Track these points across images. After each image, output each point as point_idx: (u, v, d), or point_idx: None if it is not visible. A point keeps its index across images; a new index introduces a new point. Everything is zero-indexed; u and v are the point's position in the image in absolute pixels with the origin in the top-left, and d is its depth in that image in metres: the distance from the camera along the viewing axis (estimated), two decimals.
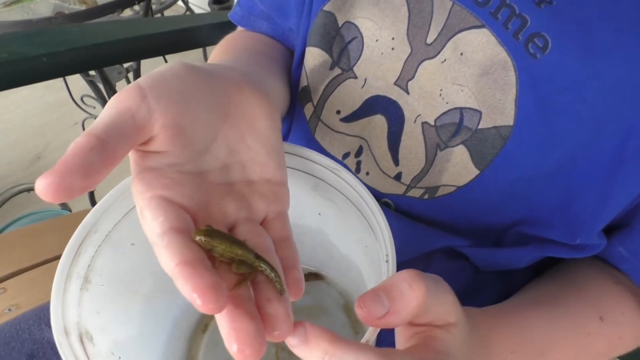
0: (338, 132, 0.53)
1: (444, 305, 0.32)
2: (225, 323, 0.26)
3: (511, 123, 0.42)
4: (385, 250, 0.36)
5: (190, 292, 0.24)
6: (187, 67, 0.35)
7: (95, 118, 1.32)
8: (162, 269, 0.27)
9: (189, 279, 0.25)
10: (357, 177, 0.42)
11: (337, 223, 0.45)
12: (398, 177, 0.49)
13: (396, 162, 0.49)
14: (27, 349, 0.58)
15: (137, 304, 0.46)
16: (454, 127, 0.44)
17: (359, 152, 0.52)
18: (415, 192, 0.49)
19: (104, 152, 0.28)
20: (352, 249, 0.47)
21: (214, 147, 0.35)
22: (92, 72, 1.49)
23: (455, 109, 0.44)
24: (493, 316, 0.42)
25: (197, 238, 0.29)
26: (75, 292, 0.40)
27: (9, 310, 0.79)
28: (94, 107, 1.78)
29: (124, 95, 0.31)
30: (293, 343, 0.28)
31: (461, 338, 0.33)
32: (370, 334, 0.32)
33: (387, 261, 0.35)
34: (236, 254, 0.30)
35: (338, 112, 0.52)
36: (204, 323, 0.55)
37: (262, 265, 0.30)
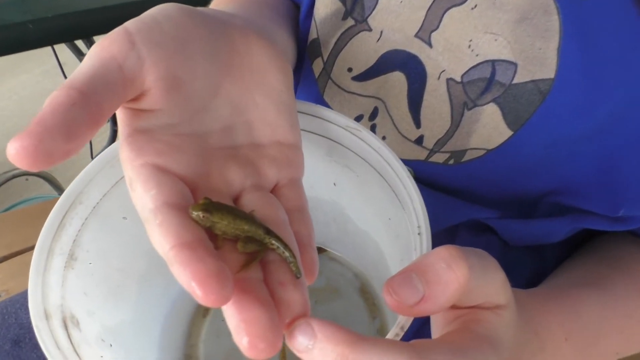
0: (349, 92, 0.48)
1: (492, 286, 0.27)
2: (233, 313, 0.22)
3: (552, 76, 0.37)
4: (416, 222, 0.30)
5: (189, 280, 0.21)
6: (182, 10, 0.30)
7: None
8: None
9: (187, 264, 0.21)
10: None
11: (355, 193, 0.40)
12: (419, 140, 0.45)
13: (417, 124, 0.45)
14: (13, 334, 0.53)
15: (130, 285, 0.41)
16: (484, 83, 0.40)
17: (373, 115, 0.48)
18: (439, 157, 0.45)
19: (88, 107, 0.23)
20: (372, 222, 0.41)
21: (216, 105, 0.30)
22: (84, 51, 1.43)
23: (486, 62, 0.40)
24: (541, 298, 0.38)
25: (194, 214, 0.24)
26: (58, 270, 0.35)
27: (0, 295, 0.75)
28: None
29: (109, 42, 0.26)
30: (299, 347, 0.23)
31: (511, 322, 0.28)
32: (400, 326, 0.27)
33: (419, 234, 0.30)
34: (242, 230, 0.26)
35: (350, 69, 0.47)
36: (205, 307, 0.50)
37: (273, 242, 0.26)
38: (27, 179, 1.50)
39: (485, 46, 0.39)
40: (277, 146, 0.32)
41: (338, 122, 0.36)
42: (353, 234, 0.45)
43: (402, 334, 0.27)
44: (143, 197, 0.25)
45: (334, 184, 0.42)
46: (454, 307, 0.28)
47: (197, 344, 0.48)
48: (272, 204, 0.29)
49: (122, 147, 0.27)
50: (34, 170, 0.22)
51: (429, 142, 0.45)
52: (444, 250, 0.26)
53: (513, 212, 0.47)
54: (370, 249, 0.44)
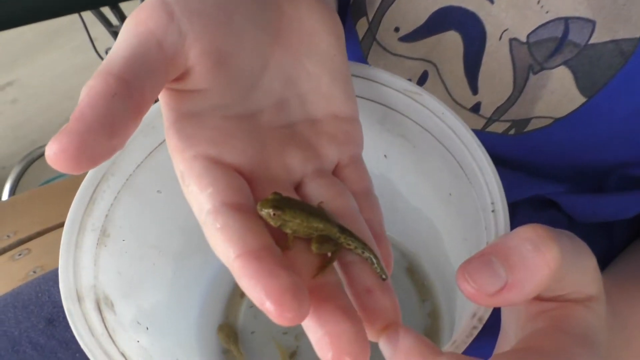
0: (396, 54, 0.44)
1: (584, 273, 0.24)
2: (314, 325, 0.20)
3: (637, 35, 0.33)
4: (489, 198, 0.26)
5: (262, 297, 0.19)
6: None
7: None
8: (199, 227, 0.21)
9: (257, 278, 0.19)
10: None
11: (409, 166, 0.36)
12: (476, 108, 0.42)
13: (474, 89, 0.41)
14: (47, 313, 0.52)
15: (165, 264, 0.39)
16: (554, 44, 0.36)
17: (422, 80, 0.44)
18: (498, 127, 0.41)
19: (130, 96, 0.21)
20: (426, 198, 0.37)
21: (266, 78, 0.27)
22: (114, 23, 1.40)
23: (558, 19, 0.36)
24: (625, 286, 0.33)
25: (264, 212, 0.22)
26: (90, 248, 0.32)
27: (34, 272, 0.74)
28: None
29: (144, 14, 0.23)
30: (385, 355, 0.21)
31: (603, 317, 0.24)
32: (478, 317, 0.23)
33: (493, 211, 0.26)
34: (316, 229, 0.23)
35: (397, 29, 0.43)
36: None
37: (350, 242, 0.23)
38: None
39: (557, 2, 0.35)
40: (333, 120, 0.29)
41: (394, 85, 0.32)
42: (403, 211, 0.42)
43: (480, 326, 0.23)
44: (198, 196, 0.22)
45: (385, 156, 0.38)
46: (537, 298, 0.24)
47: (234, 324, 0.45)
48: (340, 193, 0.26)
49: (169, 135, 0.24)
50: (78, 173, 0.20)
51: (487, 110, 0.41)
52: (530, 230, 0.22)
53: (580, 186, 0.43)
54: (423, 227, 0.40)
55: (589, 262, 0.24)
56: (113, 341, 0.28)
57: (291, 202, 0.23)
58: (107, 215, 0.34)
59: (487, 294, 0.22)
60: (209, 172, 0.23)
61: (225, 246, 0.20)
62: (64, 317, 0.52)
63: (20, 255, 0.75)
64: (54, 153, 0.19)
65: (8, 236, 0.78)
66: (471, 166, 0.29)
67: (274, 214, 0.22)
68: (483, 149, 0.28)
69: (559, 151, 0.40)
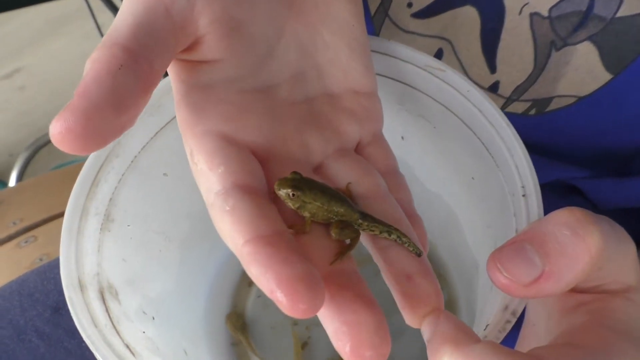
0: (408, 31, 0.42)
1: (625, 262, 0.22)
2: (331, 314, 0.18)
3: None
4: (519, 181, 0.24)
5: (272, 286, 0.17)
6: None
7: None
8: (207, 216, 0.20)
9: (268, 265, 0.18)
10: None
11: (428, 149, 0.34)
12: (494, 87, 0.39)
13: (492, 68, 0.39)
14: (52, 301, 0.50)
15: (172, 250, 0.37)
16: (577, 18, 0.35)
17: (436, 58, 0.41)
18: (518, 107, 0.39)
19: (138, 68, 0.19)
20: (446, 182, 0.35)
21: (281, 48, 0.26)
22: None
23: None
24: None
25: (282, 192, 0.20)
26: (93, 234, 0.30)
27: (40, 260, 0.73)
28: None
29: None
30: (426, 337, 0.19)
31: None
32: (511, 311, 0.21)
33: (523, 195, 0.24)
34: (336, 213, 0.21)
35: (409, 4, 0.41)
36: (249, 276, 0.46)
37: (374, 227, 0.22)
38: None
39: None
40: (352, 95, 0.27)
41: (415, 60, 0.30)
42: (418, 196, 0.39)
43: (514, 320, 0.21)
44: (208, 175, 0.21)
45: (402, 138, 0.36)
46: (573, 289, 0.22)
47: (243, 314, 0.44)
48: (368, 172, 0.24)
49: (179, 109, 0.22)
50: (85, 154, 0.18)
51: (506, 89, 0.39)
52: (567, 214, 0.20)
53: (604, 170, 0.41)
54: (440, 213, 0.38)
55: (629, 249, 0.22)
56: (117, 332, 0.27)
57: (311, 183, 0.21)
58: (111, 199, 0.32)
59: (522, 284, 0.20)
60: (221, 150, 0.21)
61: (234, 230, 0.19)
62: None
63: (26, 242, 0.74)
64: (58, 132, 0.17)
65: (14, 223, 0.77)
66: (499, 148, 0.27)
67: (293, 195, 0.20)
68: (512, 128, 0.26)
69: (582, 132, 0.39)
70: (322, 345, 0.40)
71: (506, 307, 0.22)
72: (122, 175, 0.32)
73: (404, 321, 0.41)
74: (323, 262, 0.20)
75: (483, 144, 0.28)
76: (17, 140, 1.50)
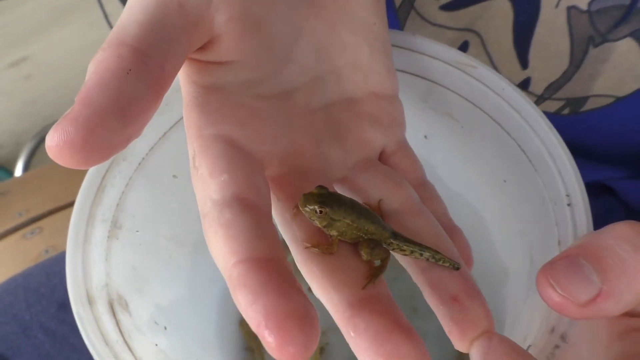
0: (435, 24, 0.40)
1: None
2: (368, 346, 0.16)
3: None
4: (563, 189, 0.22)
5: (261, 319, 0.15)
6: None
7: None
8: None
9: (259, 294, 0.15)
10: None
11: (454, 148, 0.32)
12: (525, 84, 0.37)
13: (524, 63, 0.37)
14: (58, 297, 0.49)
15: (183, 255, 0.35)
16: (619, 12, 0.32)
17: (462, 51, 0.39)
18: (551, 106, 0.37)
19: (148, 72, 0.17)
20: (472, 184, 0.33)
21: (299, 50, 0.23)
22: None
23: None
24: None
25: (308, 209, 0.18)
26: (100, 242, 0.28)
27: (46, 251, 0.71)
28: None
29: None
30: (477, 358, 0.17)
31: None
32: (560, 334, 0.19)
33: (569, 205, 0.21)
34: (365, 232, 0.19)
35: None
36: None
37: (405, 246, 0.20)
38: None
39: None
40: (373, 100, 0.25)
41: (443, 56, 0.28)
42: (442, 196, 0.37)
43: (562, 346, 0.19)
44: (207, 182, 0.18)
45: (425, 137, 0.33)
46: (628, 313, 0.20)
47: None
48: (398, 184, 0.22)
49: (188, 109, 0.20)
50: (85, 168, 0.16)
51: (539, 87, 0.37)
52: (627, 228, 0.19)
53: (639, 171, 0.39)
54: (464, 215, 0.36)
55: None
56: (129, 348, 0.25)
57: (339, 199, 0.19)
58: (118, 204, 0.30)
59: (578, 303, 0.18)
60: (227, 157, 0.19)
61: (226, 247, 0.17)
62: None
63: (32, 234, 0.73)
64: (56, 145, 0.15)
65: (20, 214, 0.75)
66: (538, 151, 0.24)
67: (321, 212, 0.18)
68: (555, 132, 0.23)
69: (618, 132, 0.36)
70: (339, 351, 0.38)
71: (553, 330, 0.20)
72: (130, 179, 0.30)
73: (424, 324, 0.39)
74: (354, 286, 0.18)
75: (519, 146, 0.26)
76: (23, 129, 1.49)
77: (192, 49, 0.20)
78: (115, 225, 0.29)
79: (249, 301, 0.15)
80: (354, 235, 0.19)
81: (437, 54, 0.28)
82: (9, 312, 0.46)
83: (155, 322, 0.29)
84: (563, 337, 0.19)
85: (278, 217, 0.21)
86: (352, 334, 0.17)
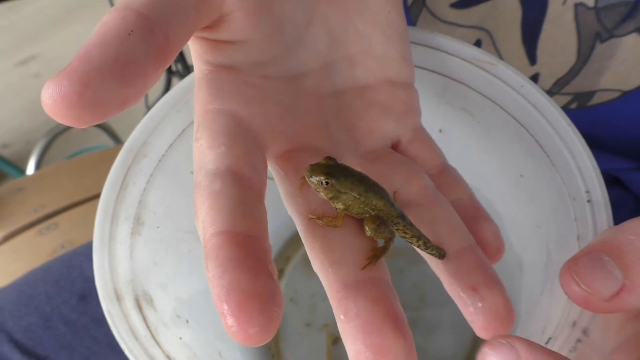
0: (446, 22, 0.39)
1: None
2: (355, 333, 0.16)
3: None
4: (582, 185, 0.22)
5: (222, 294, 0.14)
6: None
7: None
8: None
9: (228, 268, 0.15)
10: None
11: (470, 143, 0.32)
12: (534, 79, 0.37)
13: (532, 59, 0.36)
14: (78, 289, 0.49)
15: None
16: (626, 9, 0.32)
17: None
18: (559, 100, 0.37)
19: (150, 36, 0.16)
20: (488, 178, 0.33)
21: (311, 34, 0.23)
22: None
23: None
24: None
25: (314, 180, 0.18)
26: (125, 239, 0.28)
27: (62, 247, 0.71)
28: None
29: None
30: None
31: None
32: (582, 329, 0.19)
33: (589, 201, 0.21)
34: (373, 207, 0.18)
35: None
36: (278, 268, 0.44)
37: (408, 230, 0.19)
38: (84, 129, 1.47)
39: None
40: (387, 87, 0.24)
41: (461, 53, 0.27)
42: None
43: (585, 339, 0.19)
44: (205, 152, 0.18)
45: (440, 131, 0.33)
46: None
47: None
48: (413, 173, 0.22)
49: (198, 87, 0.20)
50: (80, 127, 0.15)
51: (547, 82, 0.37)
52: None
53: None
54: None
55: None
56: (157, 342, 0.25)
57: (347, 171, 0.18)
58: (140, 201, 0.30)
59: (602, 297, 0.18)
60: (228, 131, 0.18)
61: (208, 216, 0.16)
62: (97, 294, 0.49)
63: (47, 229, 0.72)
64: (49, 98, 0.15)
65: (35, 210, 0.75)
66: (557, 147, 0.24)
67: (327, 183, 0.17)
68: (575, 128, 0.23)
69: (625, 125, 0.36)
70: None
71: (574, 324, 0.20)
72: (151, 175, 0.30)
73: (437, 314, 0.39)
74: (353, 265, 0.18)
75: (537, 142, 0.25)
76: (34, 127, 1.48)
77: (201, 24, 0.19)
78: (137, 222, 0.29)
79: (217, 273, 0.15)
80: (360, 210, 0.18)
81: (456, 51, 0.27)
82: (30, 304, 0.46)
83: (178, 316, 0.29)
84: (585, 332, 0.19)
85: (283, 190, 0.20)
86: (342, 317, 0.16)
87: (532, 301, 0.28)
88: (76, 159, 0.91)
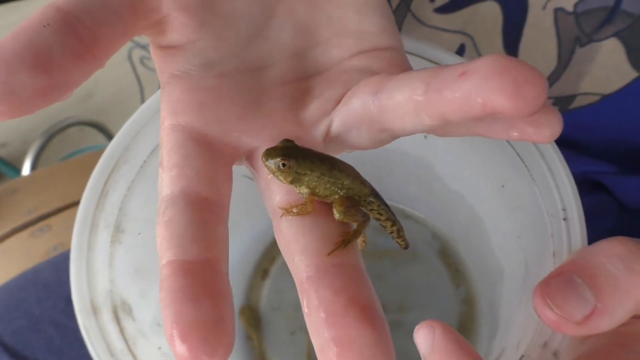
0: (430, 26, 0.39)
1: None
2: (318, 326, 0.15)
3: None
4: (559, 203, 0.21)
5: (169, 325, 0.14)
6: None
7: (143, 48, 1.15)
8: None
9: (174, 300, 0.15)
10: None
11: (453, 149, 0.31)
12: None
13: None
14: (67, 292, 0.48)
15: None
16: (604, 13, 0.32)
17: (459, 54, 0.39)
18: None
19: (70, 31, 0.16)
20: (471, 184, 0.32)
21: (274, 28, 0.22)
22: None
23: None
24: None
25: (271, 163, 0.16)
26: (104, 248, 0.27)
27: (55, 249, 0.70)
28: (140, 35, 1.62)
29: None
30: (421, 352, 0.17)
31: None
32: (552, 351, 0.19)
33: (564, 219, 0.21)
34: (341, 187, 0.17)
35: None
36: (263, 268, 0.43)
37: (382, 211, 0.18)
38: (82, 128, 1.45)
39: None
40: (366, 54, 0.22)
41: (443, 61, 0.26)
42: (439, 193, 0.37)
43: None
44: (161, 176, 0.18)
45: (425, 137, 0.33)
46: None
47: (256, 306, 0.41)
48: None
49: (161, 102, 0.19)
50: (2, 120, 0.15)
51: None
52: (618, 245, 0.18)
53: (631, 168, 0.38)
54: (462, 212, 0.35)
55: None
56: (134, 356, 0.24)
57: (306, 151, 0.17)
58: (120, 209, 0.29)
59: (574, 321, 0.17)
60: (180, 149, 0.18)
61: (161, 245, 0.16)
62: None
63: (40, 231, 0.72)
64: None
65: (29, 212, 0.74)
66: (536, 163, 0.23)
67: (284, 164, 0.16)
68: (555, 145, 0.22)
69: (607, 129, 0.36)
70: None
71: (545, 344, 0.19)
72: (132, 182, 0.29)
73: (422, 316, 0.38)
74: (317, 253, 0.16)
75: (517, 154, 0.25)
76: (30, 127, 1.47)
77: (139, 25, 0.18)
78: (118, 230, 0.28)
79: (164, 305, 0.15)
80: (328, 192, 0.17)
81: (438, 59, 0.27)
82: (20, 307, 0.45)
83: (159, 324, 0.29)
84: (555, 355, 0.19)
85: (257, 188, 0.19)
86: (305, 310, 0.15)
87: (510, 312, 0.27)
88: (71, 161, 0.90)
